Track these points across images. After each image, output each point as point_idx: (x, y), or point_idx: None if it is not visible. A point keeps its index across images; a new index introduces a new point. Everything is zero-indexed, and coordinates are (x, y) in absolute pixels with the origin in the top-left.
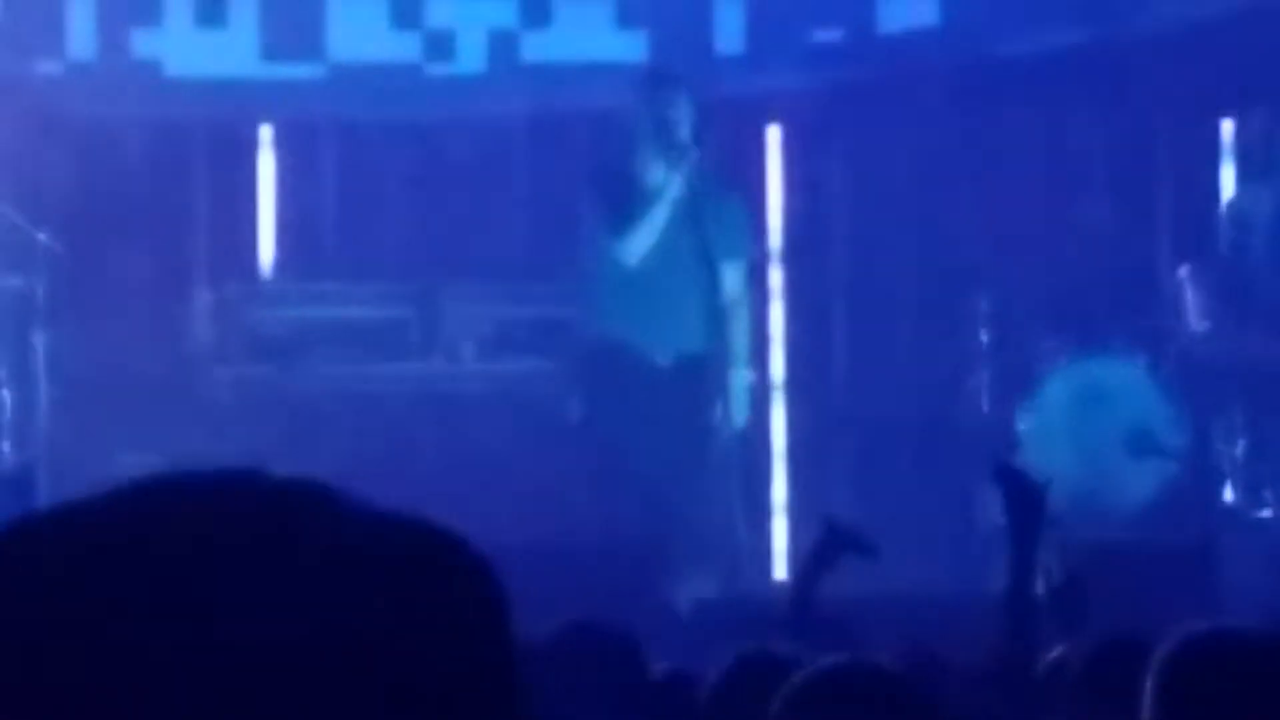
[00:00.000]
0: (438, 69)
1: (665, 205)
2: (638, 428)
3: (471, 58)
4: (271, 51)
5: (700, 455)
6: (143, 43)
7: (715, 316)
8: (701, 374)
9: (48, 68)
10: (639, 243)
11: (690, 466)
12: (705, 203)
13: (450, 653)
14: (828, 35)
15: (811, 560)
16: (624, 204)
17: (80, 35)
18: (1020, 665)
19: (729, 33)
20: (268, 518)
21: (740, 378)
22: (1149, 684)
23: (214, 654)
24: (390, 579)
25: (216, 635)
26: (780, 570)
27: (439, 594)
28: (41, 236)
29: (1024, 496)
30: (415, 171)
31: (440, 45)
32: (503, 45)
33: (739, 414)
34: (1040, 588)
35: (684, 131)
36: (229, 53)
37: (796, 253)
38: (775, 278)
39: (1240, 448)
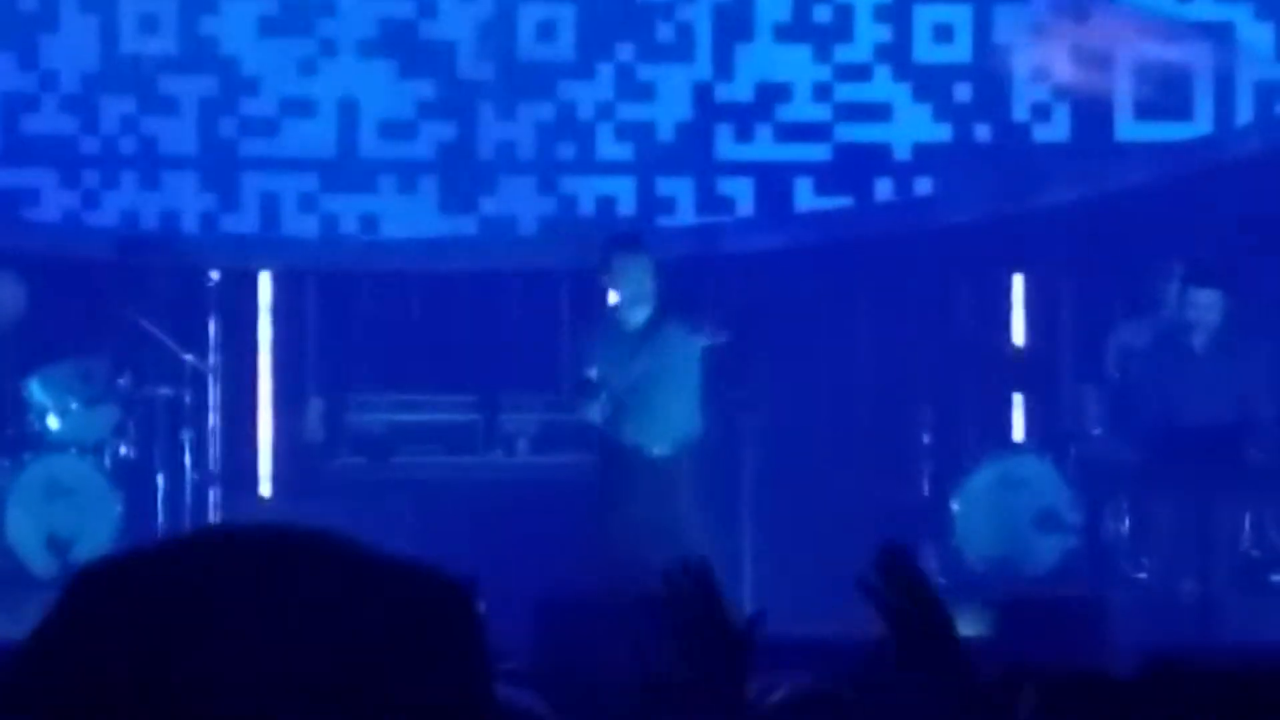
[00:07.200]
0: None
1: (611, 343)
2: (636, 505)
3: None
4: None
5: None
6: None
7: (693, 416)
8: (682, 458)
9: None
10: (596, 372)
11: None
12: (673, 332)
13: (431, 667)
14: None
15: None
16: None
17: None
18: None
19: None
20: (288, 559)
21: None
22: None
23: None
24: (387, 607)
25: (239, 643)
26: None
27: (423, 619)
28: (188, 357)
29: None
30: (485, 311)
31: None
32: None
33: None
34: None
35: (632, 287)
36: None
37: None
38: None
39: (1125, 525)
